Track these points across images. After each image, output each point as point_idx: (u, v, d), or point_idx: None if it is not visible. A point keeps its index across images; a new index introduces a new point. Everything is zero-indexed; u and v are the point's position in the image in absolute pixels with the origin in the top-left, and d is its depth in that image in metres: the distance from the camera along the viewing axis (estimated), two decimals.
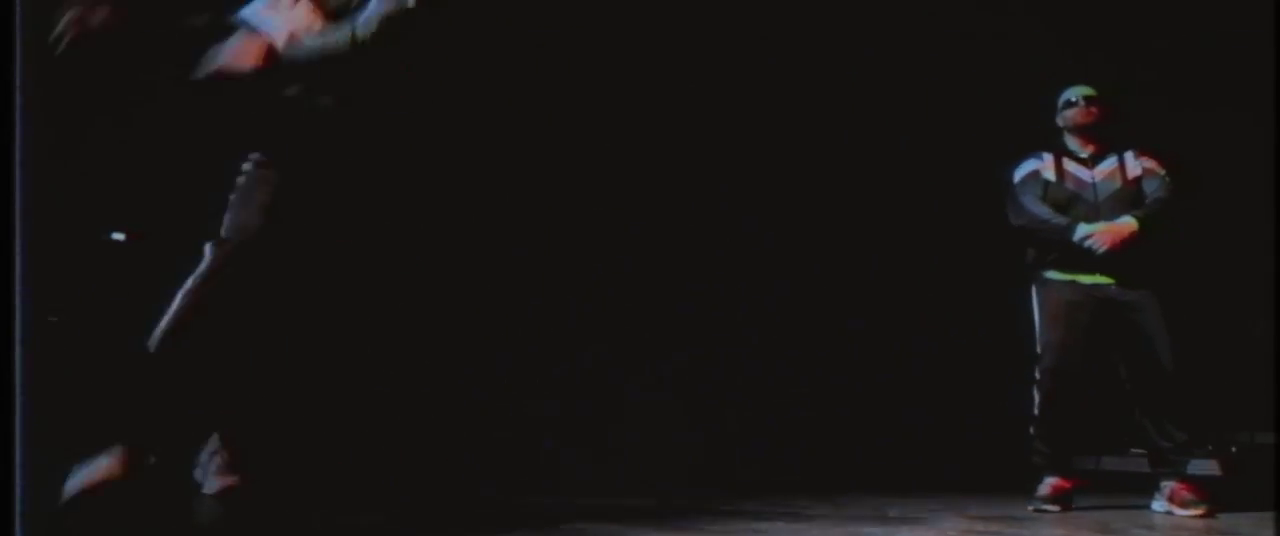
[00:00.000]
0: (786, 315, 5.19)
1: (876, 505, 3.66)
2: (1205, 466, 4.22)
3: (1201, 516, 3.56)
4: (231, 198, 2.54)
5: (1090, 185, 3.87)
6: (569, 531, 2.89)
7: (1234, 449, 4.55)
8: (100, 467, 2.25)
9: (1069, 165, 3.91)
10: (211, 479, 2.53)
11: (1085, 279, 3.81)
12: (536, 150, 4.92)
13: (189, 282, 2.41)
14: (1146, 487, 3.84)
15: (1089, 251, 3.74)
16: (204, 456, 2.57)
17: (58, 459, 2.22)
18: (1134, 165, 3.89)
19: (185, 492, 2.60)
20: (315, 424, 4.46)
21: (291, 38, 2.46)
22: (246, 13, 2.53)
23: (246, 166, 2.55)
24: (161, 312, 2.42)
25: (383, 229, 4.91)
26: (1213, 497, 3.66)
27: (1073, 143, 3.95)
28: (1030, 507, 3.73)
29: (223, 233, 2.48)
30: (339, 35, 2.44)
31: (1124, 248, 3.73)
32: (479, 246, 4.95)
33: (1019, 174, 3.93)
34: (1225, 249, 4.70)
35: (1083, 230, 3.76)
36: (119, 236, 4.90)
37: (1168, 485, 3.72)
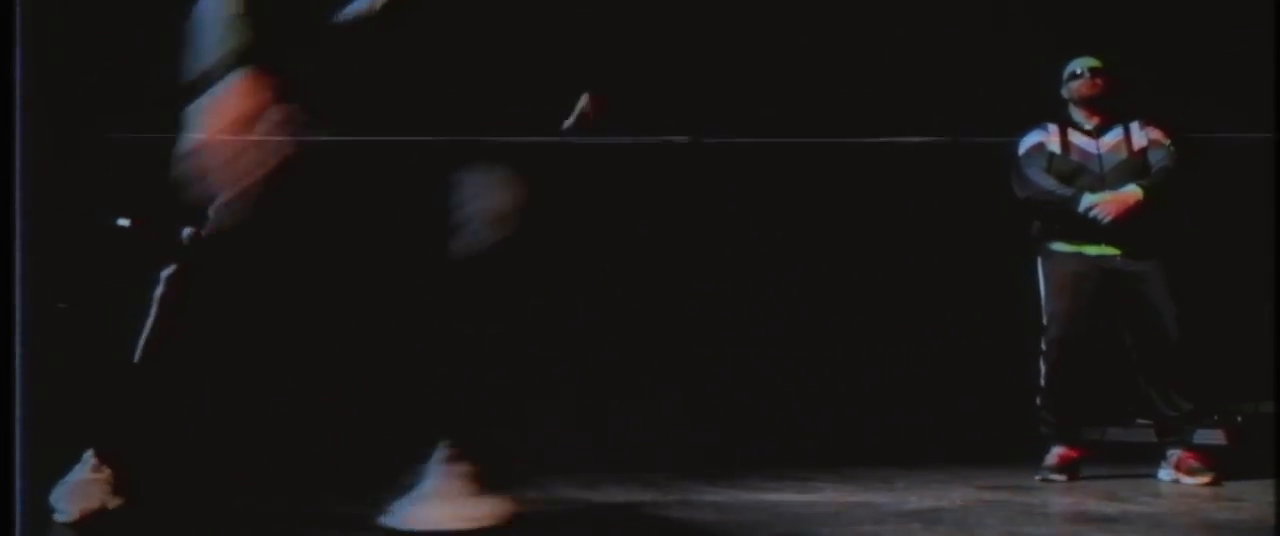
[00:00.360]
0: (788, 308, 5.19)
1: (885, 477, 3.68)
2: (1211, 436, 4.23)
3: (1207, 484, 3.58)
4: None
5: (1095, 156, 3.88)
6: (574, 502, 2.92)
7: (1239, 418, 4.57)
8: (90, 493, 2.16)
9: (1074, 137, 3.91)
10: None
11: (1091, 250, 3.82)
12: (538, 149, 4.90)
13: (164, 279, 2.27)
14: (1153, 457, 3.86)
15: (1094, 222, 3.75)
16: None
17: (58, 459, 2.22)
18: (1140, 136, 3.90)
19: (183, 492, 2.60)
20: (313, 421, 4.48)
21: None
22: None
23: None
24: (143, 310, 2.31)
25: (382, 221, 4.92)
26: (1218, 466, 3.69)
27: (1078, 114, 3.95)
28: (1037, 477, 3.75)
29: (210, 214, 2.25)
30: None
31: (1129, 217, 3.74)
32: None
33: (1023, 146, 3.94)
34: (1232, 218, 4.70)
35: (1088, 200, 3.77)
36: (124, 222, 4.91)
37: (1174, 454, 3.74)
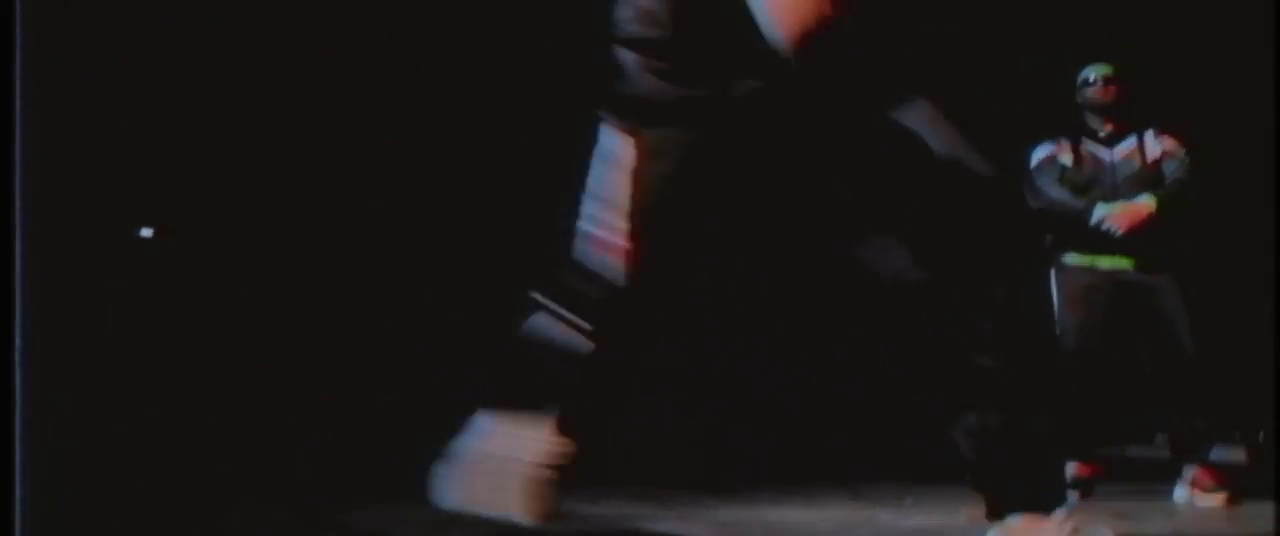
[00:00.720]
0: (797, 309, 5.13)
1: (894, 492, 3.63)
2: (1231, 453, 4.15)
3: (1223, 503, 3.51)
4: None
5: (1109, 166, 3.82)
6: (573, 517, 2.88)
7: (1262, 436, 4.48)
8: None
9: (1087, 146, 3.86)
10: None
11: (1104, 262, 3.76)
12: (541, 154, 4.90)
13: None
14: (1173, 475, 3.79)
15: (1107, 234, 3.70)
16: None
17: (58, 459, 2.20)
18: (1154, 145, 3.84)
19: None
20: (314, 422, 4.48)
21: None
22: None
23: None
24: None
25: (387, 227, 4.93)
26: (1237, 484, 3.61)
27: (1092, 122, 3.90)
28: None
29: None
30: None
31: (1142, 229, 3.68)
32: (483, 248, 4.93)
33: (1036, 157, 3.89)
34: (1254, 231, 4.62)
35: (1100, 211, 3.72)
36: (146, 232, 4.92)
37: (1190, 471, 3.67)
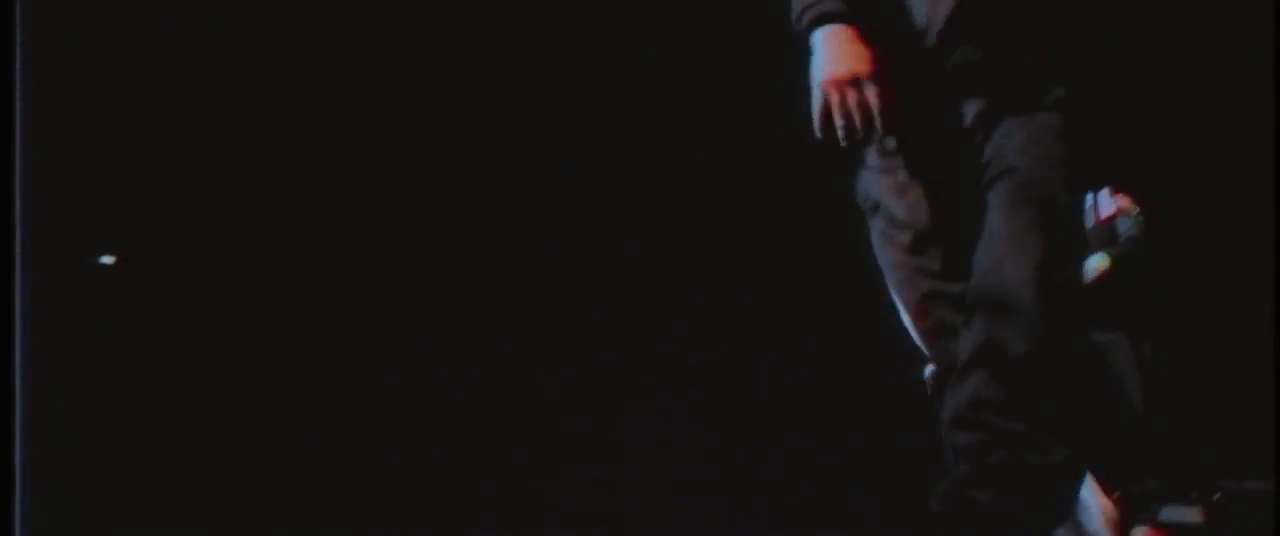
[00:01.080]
0: (809, 336, 5.10)
1: None
2: (1186, 513, 4.13)
3: None
4: None
5: None
6: None
7: (1218, 495, 4.45)
8: None
9: None
10: None
11: None
12: (544, 165, 4.90)
13: None
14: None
15: None
16: None
17: (58, 459, 2.17)
18: (1107, 204, 3.87)
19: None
20: (312, 439, 4.45)
21: None
22: None
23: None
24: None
25: (387, 244, 4.92)
26: None
27: None
28: None
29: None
30: None
31: (1095, 288, 3.69)
32: (485, 265, 4.92)
33: None
34: (1221, 283, 4.63)
35: None
36: (108, 260, 4.91)
37: (1139, 531, 3.65)
